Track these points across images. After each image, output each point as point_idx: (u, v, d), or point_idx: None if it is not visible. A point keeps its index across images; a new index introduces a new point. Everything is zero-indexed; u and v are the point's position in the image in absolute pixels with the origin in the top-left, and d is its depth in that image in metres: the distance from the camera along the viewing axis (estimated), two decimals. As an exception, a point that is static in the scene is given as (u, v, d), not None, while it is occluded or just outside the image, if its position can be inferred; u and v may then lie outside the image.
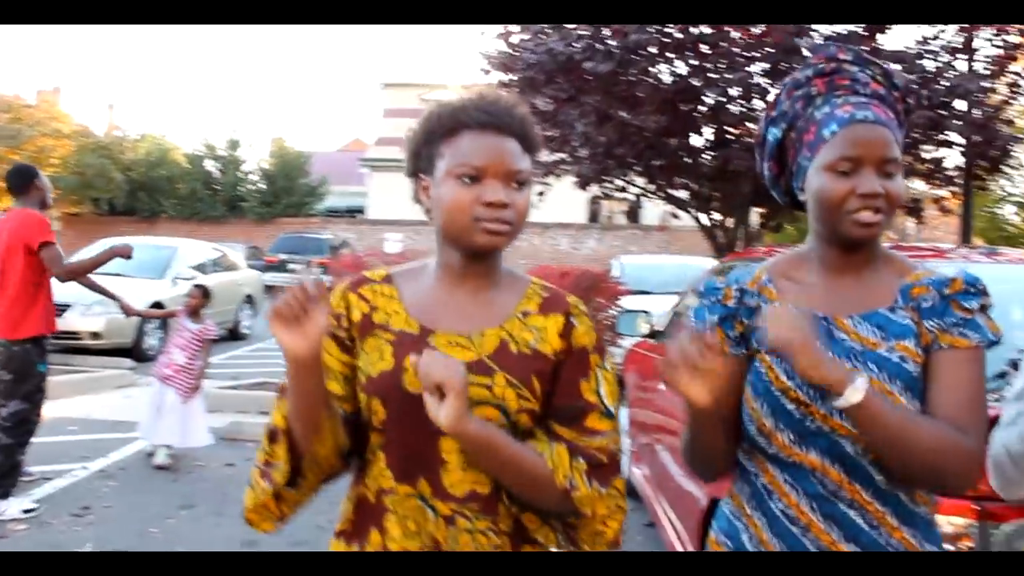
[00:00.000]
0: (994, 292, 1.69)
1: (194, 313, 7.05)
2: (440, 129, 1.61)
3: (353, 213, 36.56)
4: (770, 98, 1.81)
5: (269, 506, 1.63)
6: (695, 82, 9.30)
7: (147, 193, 32.21)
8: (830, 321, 1.66)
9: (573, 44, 9.60)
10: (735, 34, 9.52)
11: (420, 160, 1.65)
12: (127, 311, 6.68)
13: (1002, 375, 2.61)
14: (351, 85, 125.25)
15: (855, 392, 1.48)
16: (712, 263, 9.48)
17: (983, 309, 1.64)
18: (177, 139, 53.92)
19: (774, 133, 1.76)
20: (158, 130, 36.41)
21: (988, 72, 10.60)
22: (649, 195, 12.20)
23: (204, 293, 7.19)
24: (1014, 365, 2.84)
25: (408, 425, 1.58)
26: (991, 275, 1.80)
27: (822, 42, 2.00)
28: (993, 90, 10.75)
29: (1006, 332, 1.75)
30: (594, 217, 32.97)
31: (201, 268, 14.29)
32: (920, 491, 1.67)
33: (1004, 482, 1.82)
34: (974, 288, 1.64)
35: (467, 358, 1.58)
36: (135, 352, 11.96)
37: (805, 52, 9.23)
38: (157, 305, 11.87)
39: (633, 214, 32.50)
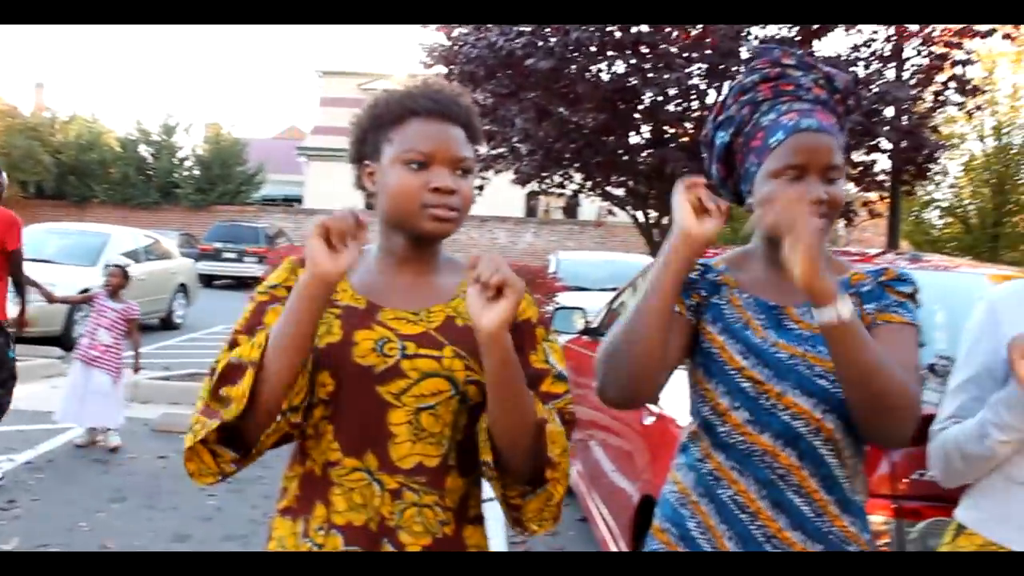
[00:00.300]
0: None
1: (115, 293, 7.03)
2: (388, 116, 1.63)
3: (290, 202, 36.15)
4: (710, 100, 1.85)
5: (204, 457, 1.57)
6: (634, 81, 9.40)
7: (77, 177, 31.45)
8: (780, 310, 1.74)
9: (514, 40, 9.63)
10: (675, 33, 9.69)
11: (366, 146, 1.66)
12: (48, 298, 6.62)
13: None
14: (288, 72, 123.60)
15: (845, 306, 1.51)
16: (648, 261, 9.60)
17: (912, 297, 1.75)
18: (109, 122, 52.81)
19: (722, 137, 1.80)
20: (89, 112, 35.28)
21: (915, 81, 10.90)
22: (587, 192, 12.31)
23: (124, 273, 7.17)
24: (932, 369, 2.97)
25: (356, 398, 1.58)
26: (930, 281, 1.93)
27: (763, 46, 2.03)
28: (920, 98, 11.07)
29: (926, 337, 1.85)
30: (532, 211, 33.09)
31: (133, 255, 14.00)
32: (862, 480, 1.75)
33: (949, 474, 1.90)
34: (904, 278, 1.76)
35: (414, 331, 1.61)
36: (64, 341, 11.72)
37: (744, 55, 9.44)
38: (86, 291, 11.63)
39: (571, 209, 32.68)
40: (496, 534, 5.22)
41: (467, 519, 1.68)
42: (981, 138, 21.56)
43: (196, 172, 32.60)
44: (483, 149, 9.49)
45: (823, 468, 1.69)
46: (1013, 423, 1.72)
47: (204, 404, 1.56)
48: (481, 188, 12.65)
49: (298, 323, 1.48)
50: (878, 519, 2.29)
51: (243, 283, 23.48)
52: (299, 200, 36.15)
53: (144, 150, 32.66)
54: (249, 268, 23.82)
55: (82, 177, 31.42)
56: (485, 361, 1.48)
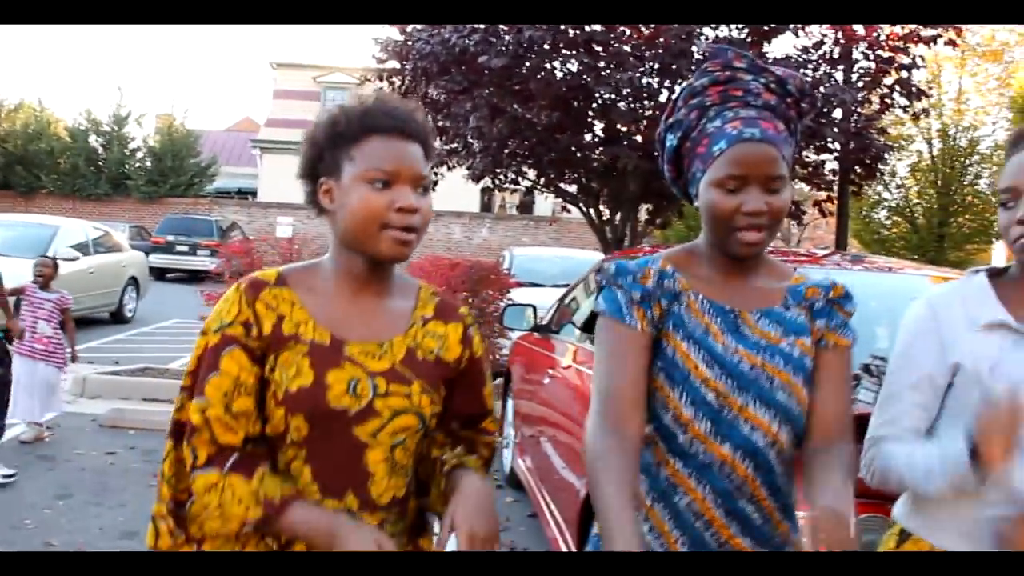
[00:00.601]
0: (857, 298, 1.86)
1: (47, 285, 7.05)
2: (348, 133, 1.61)
3: (244, 195, 35.80)
4: (663, 99, 1.86)
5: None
6: (587, 79, 9.47)
7: (24, 167, 30.81)
8: (737, 315, 1.74)
9: (467, 37, 9.65)
10: (628, 33, 9.77)
11: (323, 163, 1.64)
12: None
13: (855, 379, 2.80)
14: (241, 63, 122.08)
15: None
16: (600, 257, 9.68)
17: (851, 314, 1.81)
18: (58, 110, 51.83)
19: (671, 140, 1.79)
20: (36, 99, 34.52)
21: (863, 84, 11.09)
22: (540, 188, 12.36)
23: (54, 264, 7.22)
24: (867, 369, 3.05)
25: (332, 440, 1.59)
26: (857, 281, 1.99)
27: (716, 46, 1.99)
28: (868, 101, 11.27)
29: (862, 338, 1.92)
30: (487, 207, 33.10)
31: (83, 248, 13.83)
32: (794, 481, 1.78)
33: (883, 485, 1.89)
34: (849, 295, 1.81)
35: (383, 367, 1.62)
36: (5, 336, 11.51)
37: (695, 55, 9.55)
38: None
39: (526, 205, 32.75)
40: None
41: (422, 533, 1.76)
42: (928, 140, 21.97)
43: (148, 163, 32.11)
44: (436, 147, 9.53)
45: (772, 477, 1.72)
46: (963, 485, 1.71)
47: (172, 496, 1.63)
48: (435, 184, 12.66)
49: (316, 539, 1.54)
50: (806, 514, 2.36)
51: (196, 276, 23.23)
52: (253, 193, 35.81)
53: (94, 140, 32.09)
54: (202, 261, 23.59)
55: (29, 167, 30.80)
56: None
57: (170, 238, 25.21)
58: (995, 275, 1.92)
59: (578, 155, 10.54)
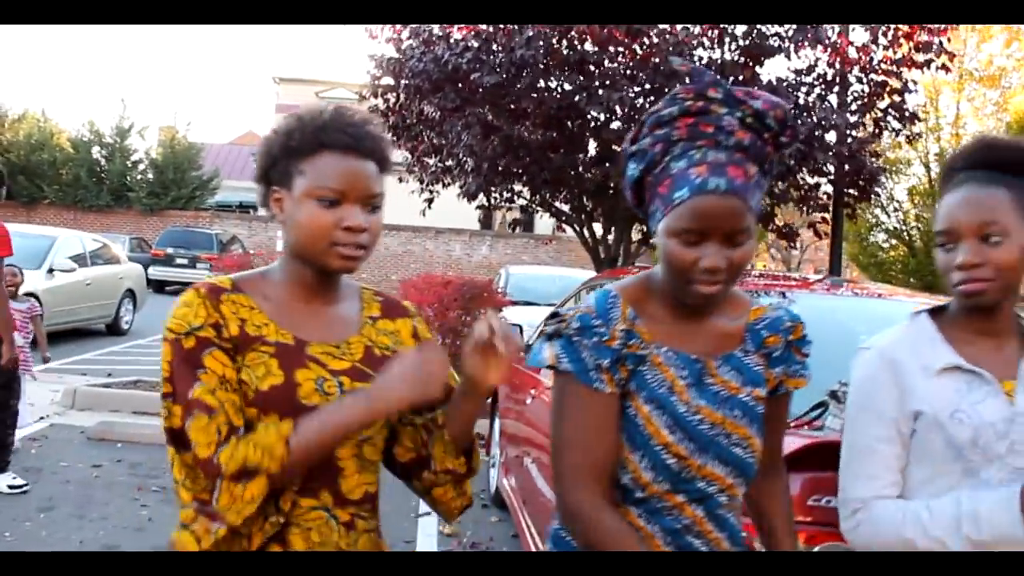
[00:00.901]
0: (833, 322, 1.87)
1: (15, 295, 7.07)
2: (301, 146, 1.62)
3: (246, 208, 35.87)
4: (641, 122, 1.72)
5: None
6: (579, 99, 9.52)
7: (27, 177, 30.90)
8: (703, 364, 1.69)
9: (460, 55, 9.71)
10: (620, 51, 9.84)
11: (275, 171, 1.65)
12: None
13: (821, 405, 2.79)
14: (244, 77, 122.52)
15: None
16: (591, 275, 9.69)
17: (807, 355, 1.80)
18: (61, 121, 51.93)
19: (633, 168, 1.68)
20: (40, 110, 34.56)
21: (856, 107, 11.13)
22: (535, 207, 12.40)
23: (20, 272, 7.31)
24: (834, 395, 3.05)
25: None
26: (846, 306, 2.00)
27: (696, 67, 1.88)
28: (862, 124, 11.30)
29: (840, 362, 1.92)
30: (488, 224, 33.16)
31: (80, 259, 13.88)
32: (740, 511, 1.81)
33: (871, 547, 1.85)
34: (807, 337, 1.80)
35: (344, 367, 1.65)
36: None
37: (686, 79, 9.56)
38: (31, 295, 11.49)
39: (527, 223, 32.81)
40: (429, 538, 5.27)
41: (380, 533, 1.77)
42: (926, 164, 22.01)
43: (150, 176, 32.19)
44: (431, 164, 9.51)
45: (720, 513, 1.73)
46: (1004, 533, 1.70)
47: (193, 497, 1.59)
48: (431, 202, 12.70)
49: (349, 430, 1.58)
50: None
51: (194, 289, 23.21)
52: (255, 207, 35.86)
53: (97, 152, 32.19)
54: (201, 274, 23.61)
55: (31, 177, 30.89)
56: (471, 402, 1.67)
57: (170, 251, 25.33)
58: (937, 314, 1.92)
59: (571, 174, 10.57)
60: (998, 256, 1.75)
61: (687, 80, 1.67)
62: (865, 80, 11.02)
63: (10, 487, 5.85)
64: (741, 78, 9.71)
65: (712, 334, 1.72)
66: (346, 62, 78.08)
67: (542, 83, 10.04)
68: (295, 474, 1.56)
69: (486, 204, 12.31)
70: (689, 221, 1.57)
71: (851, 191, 11.60)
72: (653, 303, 1.71)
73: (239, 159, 39.67)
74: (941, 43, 10.76)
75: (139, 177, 32.01)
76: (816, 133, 10.22)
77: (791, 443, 2.25)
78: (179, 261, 25.20)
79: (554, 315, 1.72)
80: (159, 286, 23.36)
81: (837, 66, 10.84)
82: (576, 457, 1.63)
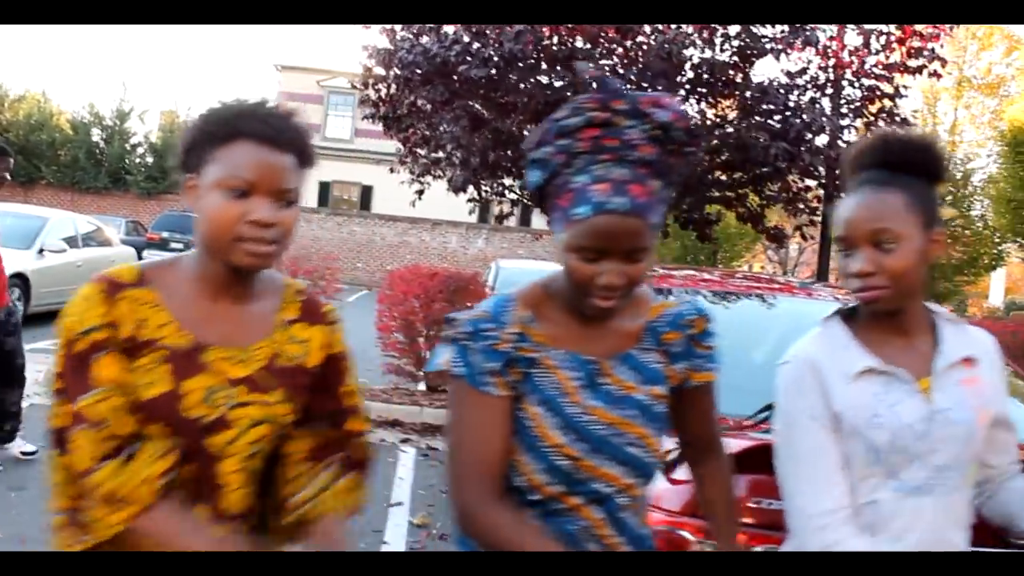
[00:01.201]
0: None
1: None
2: (217, 132, 1.54)
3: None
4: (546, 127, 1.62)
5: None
6: (568, 94, 9.52)
7: (25, 157, 30.90)
8: (596, 365, 1.68)
9: (449, 48, 9.71)
10: (611, 48, 9.84)
11: (191, 157, 1.57)
12: None
13: (769, 407, 2.80)
14: (247, 64, 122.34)
15: None
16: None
17: (713, 347, 1.78)
18: (62, 102, 51.98)
19: (536, 175, 1.64)
20: (40, 90, 34.55)
21: (849, 111, 11.13)
22: (524, 201, 12.40)
23: None
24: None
25: (186, 452, 1.54)
26: (822, 310, 1.98)
27: (604, 75, 1.82)
28: (854, 128, 11.30)
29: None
30: (484, 217, 33.16)
31: (72, 241, 13.89)
32: (644, 511, 1.79)
33: None
34: (710, 324, 1.77)
35: (243, 374, 1.58)
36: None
37: (680, 76, 9.60)
38: (19, 276, 11.51)
39: (524, 217, 32.80)
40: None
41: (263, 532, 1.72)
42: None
43: (148, 159, 32.24)
44: (422, 155, 9.44)
45: (622, 516, 1.70)
46: None
47: (68, 503, 1.51)
48: (421, 194, 12.71)
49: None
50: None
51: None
52: (252, 193, 35.81)
53: (96, 134, 32.20)
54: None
55: (30, 157, 30.91)
56: None
57: (165, 235, 25.29)
58: (849, 317, 1.91)
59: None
60: (892, 263, 1.74)
61: (593, 87, 1.62)
62: (858, 84, 11.01)
63: (23, 453, 6.05)
64: (733, 78, 9.74)
65: (608, 335, 1.70)
66: (348, 51, 77.87)
67: (534, 79, 10.01)
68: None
69: (476, 197, 12.30)
70: (589, 239, 1.55)
71: (841, 195, 11.60)
72: (551, 307, 1.70)
73: (239, 145, 39.60)
74: (933, 49, 10.76)
75: (137, 161, 32.05)
76: (806, 136, 10.22)
77: (736, 445, 2.27)
78: (174, 245, 25.16)
79: (451, 319, 1.72)
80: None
81: (830, 70, 10.84)
82: (465, 458, 1.64)
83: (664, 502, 2.43)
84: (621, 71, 9.83)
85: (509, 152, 10.36)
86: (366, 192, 33.80)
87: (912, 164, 1.80)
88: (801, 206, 11.83)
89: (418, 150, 12.15)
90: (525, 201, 12.50)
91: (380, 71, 11.35)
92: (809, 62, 10.84)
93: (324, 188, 33.86)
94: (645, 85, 9.56)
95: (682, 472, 2.19)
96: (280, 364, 1.63)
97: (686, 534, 2.37)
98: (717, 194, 11.64)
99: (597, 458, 1.64)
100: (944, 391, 1.81)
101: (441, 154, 11.45)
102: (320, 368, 1.69)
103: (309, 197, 28.14)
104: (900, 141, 1.83)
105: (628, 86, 10.01)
